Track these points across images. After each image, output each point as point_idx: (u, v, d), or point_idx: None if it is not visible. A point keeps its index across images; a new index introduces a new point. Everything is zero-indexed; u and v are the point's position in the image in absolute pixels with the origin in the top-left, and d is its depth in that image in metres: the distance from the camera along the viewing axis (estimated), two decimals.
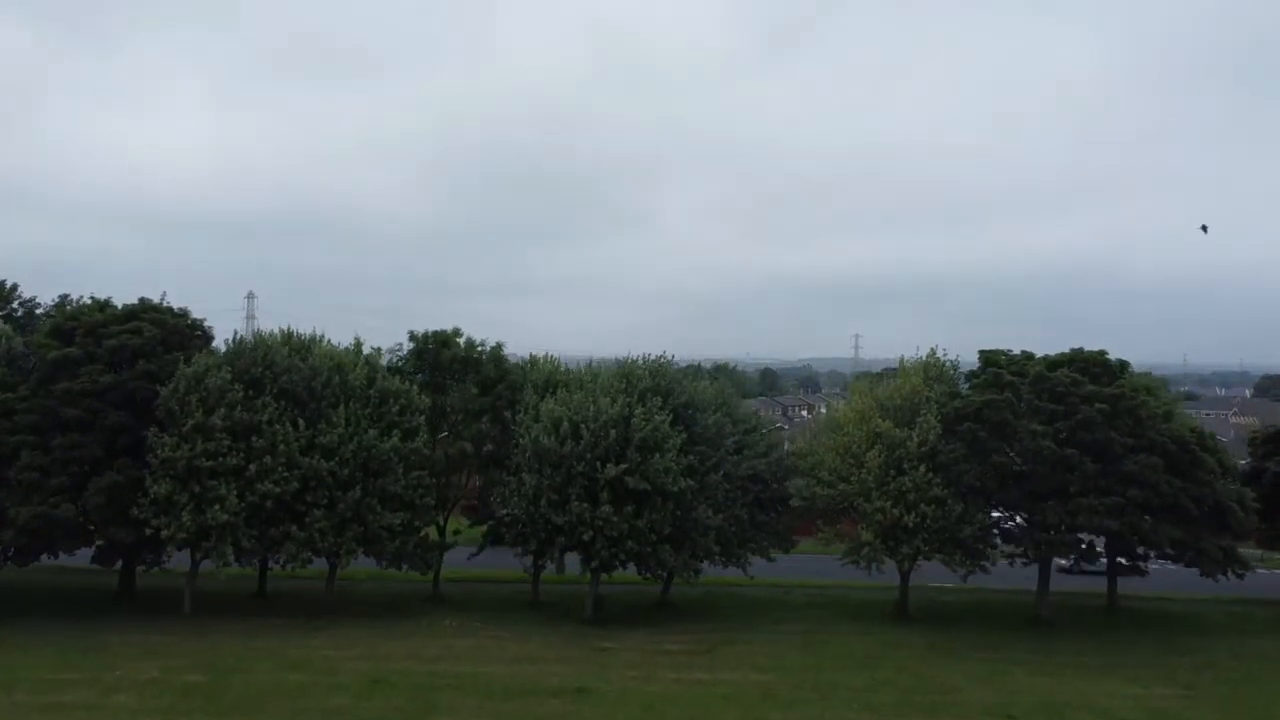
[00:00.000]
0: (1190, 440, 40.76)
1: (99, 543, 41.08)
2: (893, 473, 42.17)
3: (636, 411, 40.80)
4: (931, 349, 47.20)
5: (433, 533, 44.82)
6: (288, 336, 44.52)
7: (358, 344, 44.87)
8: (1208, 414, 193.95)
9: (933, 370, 46.30)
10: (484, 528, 44.95)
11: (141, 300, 44.46)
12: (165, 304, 44.67)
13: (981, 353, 45.60)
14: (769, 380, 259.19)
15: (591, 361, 52.87)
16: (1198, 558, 41.22)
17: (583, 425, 40.18)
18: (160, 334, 42.43)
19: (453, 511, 46.97)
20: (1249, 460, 49.67)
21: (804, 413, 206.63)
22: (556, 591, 47.23)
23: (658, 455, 39.55)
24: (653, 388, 42.93)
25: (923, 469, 41.58)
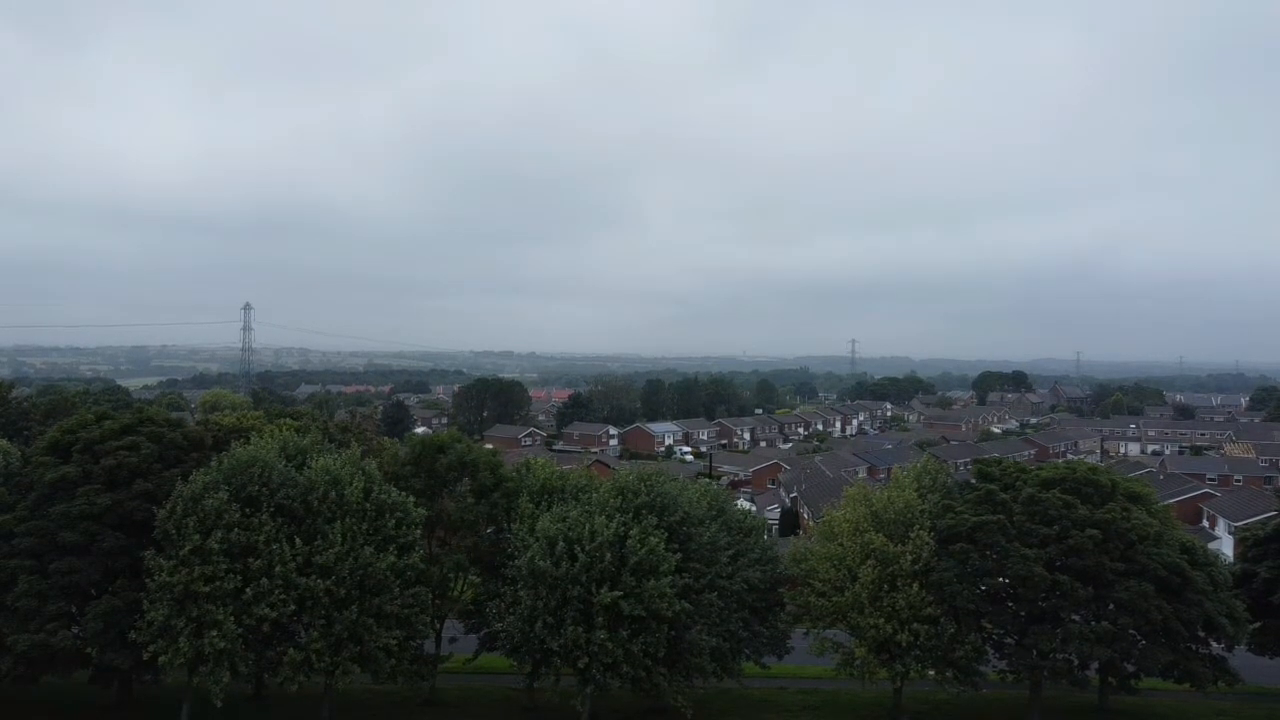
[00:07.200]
0: (1180, 563, 41.03)
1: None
2: (886, 588, 42.46)
3: (632, 532, 40.97)
4: (927, 457, 47.42)
5: (429, 645, 45.02)
6: (283, 446, 44.59)
7: (354, 457, 44.84)
8: (1202, 434, 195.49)
9: (925, 479, 46.46)
10: (479, 634, 45.18)
11: (139, 411, 44.57)
12: (163, 415, 44.79)
13: (976, 463, 45.82)
14: (765, 392, 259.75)
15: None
16: (1187, 676, 41.63)
17: (578, 546, 40.37)
18: (157, 450, 42.58)
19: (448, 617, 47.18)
20: (1238, 563, 49.96)
21: (800, 430, 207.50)
22: (552, 691, 47.31)
23: (652, 580, 39.75)
24: (648, 504, 43.06)
25: (915, 586, 41.87)
